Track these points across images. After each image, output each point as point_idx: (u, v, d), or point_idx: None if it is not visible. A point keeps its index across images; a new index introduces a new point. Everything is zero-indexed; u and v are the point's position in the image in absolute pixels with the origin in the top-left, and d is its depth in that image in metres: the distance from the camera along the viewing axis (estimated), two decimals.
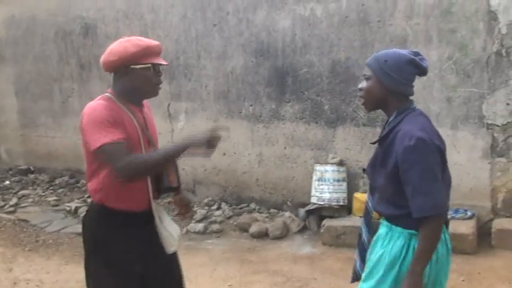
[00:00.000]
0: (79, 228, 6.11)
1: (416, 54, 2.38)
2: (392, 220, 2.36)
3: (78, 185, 8.11)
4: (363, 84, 2.42)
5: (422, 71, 2.37)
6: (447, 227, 2.42)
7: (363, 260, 2.55)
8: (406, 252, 2.29)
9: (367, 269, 2.44)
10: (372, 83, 2.38)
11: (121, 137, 2.48)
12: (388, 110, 2.41)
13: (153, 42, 2.67)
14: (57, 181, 8.27)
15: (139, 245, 2.65)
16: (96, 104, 2.61)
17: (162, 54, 2.76)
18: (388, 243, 2.35)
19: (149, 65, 2.61)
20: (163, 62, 2.67)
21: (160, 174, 2.65)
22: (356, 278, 2.64)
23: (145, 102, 2.82)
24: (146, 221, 2.66)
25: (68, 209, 6.96)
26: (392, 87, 2.34)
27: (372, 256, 2.43)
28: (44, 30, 8.31)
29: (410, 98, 2.43)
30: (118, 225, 2.63)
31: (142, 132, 2.65)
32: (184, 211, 3.07)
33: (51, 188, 8.07)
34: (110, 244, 2.66)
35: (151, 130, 2.76)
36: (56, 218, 6.74)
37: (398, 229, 2.33)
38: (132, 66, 2.60)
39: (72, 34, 8.00)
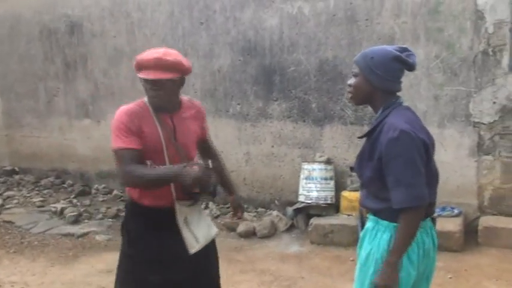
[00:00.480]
0: (65, 229, 6.21)
1: (404, 50, 2.39)
2: (379, 214, 2.38)
3: (64, 185, 8.04)
4: (352, 80, 2.45)
5: (410, 67, 2.38)
6: (434, 224, 2.43)
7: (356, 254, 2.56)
8: None
9: (358, 266, 2.45)
10: (359, 80, 2.41)
11: (134, 145, 2.65)
12: (375, 105, 2.44)
13: (146, 57, 2.71)
14: (42, 182, 8.19)
15: (163, 240, 2.79)
16: (124, 108, 2.77)
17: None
18: (375, 238, 2.36)
19: (141, 78, 2.71)
20: (148, 77, 2.66)
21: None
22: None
23: (195, 106, 2.96)
24: (171, 219, 2.79)
25: (53, 210, 6.88)
26: (378, 84, 2.36)
27: (362, 252, 2.43)
28: (29, 28, 8.22)
29: (398, 94, 2.44)
30: (144, 220, 2.83)
31: (168, 141, 2.75)
32: (234, 212, 3.30)
33: (36, 189, 7.99)
34: (134, 238, 2.87)
35: (182, 138, 2.82)
36: (42, 219, 6.67)
37: (385, 223, 2.34)
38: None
39: (58, 32, 7.92)
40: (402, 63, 2.36)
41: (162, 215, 2.79)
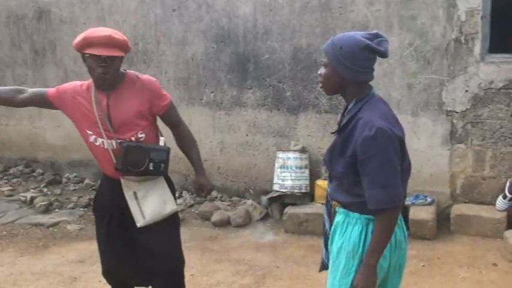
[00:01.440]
0: (34, 219, 6.09)
1: (375, 36, 2.27)
2: (349, 206, 2.33)
3: (34, 174, 7.87)
4: (321, 70, 2.36)
5: (381, 55, 2.27)
6: (407, 213, 2.41)
7: (327, 248, 2.52)
8: (365, 238, 2.27)
9: (331, 261, 2.42)
10: (329, 71, 2.31)
11: (52, 92, 3.11)
12: (347, 97, 2.35)
13: (95, 33, 2.84)
14: (11, 170, 8.00)
15: (113, 203, 3.10)
16: (79, 81, 3.14)
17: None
18: (346, 231, 2.32)
19: (87, 54, 2.85)
20: (99, 53, 2.81)
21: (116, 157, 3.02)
22: (323, 267, 2.61)
23: (140, 82, 3.05)
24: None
25: (23, 199, 6.73)
26: (348, 75, 2.26)
27: (333, 247, 2.40)
28: None
29: (371, 83, 2.37)
30: (103, 183, 3.29)
31: (102, 120, 2.96)
32: (197, 193, 3.46)
33: (5, 177, 7.80)
34: (95, 196, 3.38)
35: (117, 116, 2.98)
36: (11, 208, 6.52)
37: (356, 215, 2.30)
38: (82, 52, 2.89)
39: (25, 18, 7.71)
40: (373, 52, 2.24)
41: (117, 184, 3.04)
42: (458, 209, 5.32)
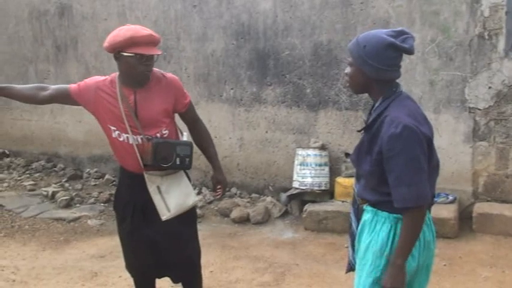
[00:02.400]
0: (56, 213, 6.15)
1: (400, 33, 2.25)
2: (378, 205, 2.31)
3: (55, 169, 7.95)
4: (347, 69, 2.36)
5: (407, 52, 2.25)
6: (430, 211, 2.38)
7: (354, 249, 2.50)
8: (394, 237, 2.25)
9: (358, 260, 2.40)
10: (354, 70, 2.31)
11: (74, 88, 3.10)
12: (373, 95, 2.34)
13: (140, 33, 2.90)
14: (33, 165, 8.10)
15: (136, 199, 3.13)
16: (101, 76, 3.14)
17: None
18: (374, 230, 2.31)
19: (132, 54, 2.87)
20: (148, 52, 2.89)
21: (142, 152, 3.02)
22: (350, 268, 2.59)
23: (166, 79, 3.10)
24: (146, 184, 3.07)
25: (44, 193, 6.81)
26: (373, 74, 2.25)
27: (361, 245, 2.38)
28: (18, 10, 8.06)
29: (396, 81, 2.34)
30: (124, 180, 3.25)
31: (128, 115, 2.99)
32: (213, 188, 3.44)
33: (27, 172, 7.90)
34: (116, 193, 3.36)
35: (144, 112, 3.02)
36: (33, 202, 6.60)
37: (384, 214, 2.28)
38: (121, 53, 2.91)
39: (47, 14, 7.78)
40: (398, 49, 2.22)
41: (138, 180, 3.07)
42: (480, 208, 5.25)
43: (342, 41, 5.75)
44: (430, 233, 2.33)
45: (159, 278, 3.43)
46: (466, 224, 5.25)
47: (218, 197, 3.55)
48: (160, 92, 3.06)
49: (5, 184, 7.33)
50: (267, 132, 6.39)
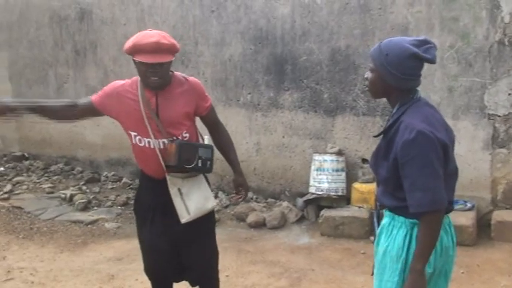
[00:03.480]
0: (74, 216, 6.20)
1: (423, 43, 2.24)
2: (395, 210, 2.32)
3: (73, 172, 8.03)
4: (368, 74, 2.37)
5: (429, 62, 2.25)
6: (449, 217, 2.37)
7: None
8: (410, 242, 2.25)
9: (376, 263, 2.40)
10: (375, 77, 2.32)
11: (96, 100, 3.08)
12: (392, 101, 2.35)
13: (144, 40, 2.88)
14: (52, 168, 8.19)
15: (157, 203, 3.14)
16: (120, 80, 3.14)
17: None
18: (391, 234, 2.31)
19: (137, 61, 2.91)
20: (149, 61, 2.86)
21: (164, 156, 3.02)
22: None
23: (188, 83, 3.11)
24: (167, 188, 3.06)
25: (62, 196, 6.88)
26: (394, 82, 2.26)
27: (379, 249, 2.39)
28: (39, 15, 8.18)
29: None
30: (145, 184, 3.26)
31: (150, 118, 2.99)
32: (236, 192, 3.45)
33: (45, 175, 7.99)
34: (137, 197, 3.37)
35: (166, 115, 3.02)
36: (51, 205, 6.66)
37: (401, 219, 2.28)
38: (132, 58, 2.95)
39: (68, 19, 7.88)
40: (420, 59, 2.22)
41: (160, 185, 3.06)
42: (499, 215, 5.20)
43: (360, 47, 5.74)
44: (449, 239, 2.31)
45: (177, 282, 3.43)
46: (484, 231, 5.19)
47: (240, 200, 3.54)
48: (182, 95, 3.07)
49: (24, 187, 7.41)
50: (283, 137, 6.39)
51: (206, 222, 3.24)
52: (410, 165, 2.15)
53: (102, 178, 7.69)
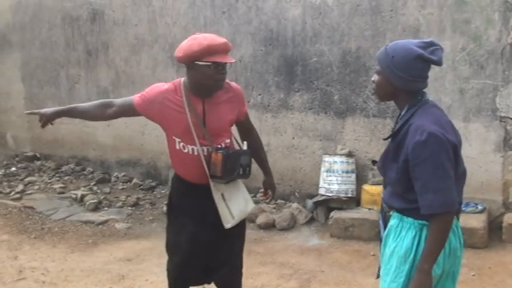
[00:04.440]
0: (85, 216, 6.24)
1: (429, 45, 2.26)
2: (403, 211, 2.32)
3: (84, 172, 8.08)
4: (374, 77, 2.38)
5: (435, 63, 2.27)
6: (458, 219, 2.36)
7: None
8: (418, 244, 2.26)
9: (383, 264, 2.41)
10: (381, 79, 2.33)
11: (139, 102, 3.05)
12: (399, 104, 2.36)
13: (217, 41, 2.88)
14: (63, 168, 8.25)
15: (195, 208, 3.10)
16: (163, 84, 3.10)
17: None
18: (399, 235, 2.31)
19: (210, 63, 2.85)
20: (225, 61, 2.89)
21: (209, 163, 2.98)
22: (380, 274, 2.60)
23: (232, 89, 3.09)
24: (208, 194, 3.02)
25: (73, 196, 6.92)
26: (400, 85, 2.27)
27: (386, 250, 2.39)
28: (51, 15, 8.24)
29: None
30: (183, 190, 3.17)
31: (196, 125, 2.95)
32: (264, 192, 3.50)
33: (57, 175, 8.05)
34: (174, 203, 3.25)
35: (212, 123, 3.00)
36: (62, 205, 6.71)
37: (409, 220, 2.29)
38: (196, 62, 2.87)
39: (80, 20, 7.93)
40: (426, 61, 2.24)
41: (200, 191, 3.04)
42: (510, 218, 5.16)
43: (371, 48, 5.73)
44: (456, 240, 2.32)
45: (199, 285, 3.42)
46: (495, 234, 5.16)
47: (267, 200, 3.62)
48: (227, 102, 3.05)
49: (36, 187, 7.48)
50: (293, 138, 6.39)
51: (241, 224, 3.24)
52: (422, 167, 2.15)
53: (113, 179, 7.73)
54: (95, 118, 3.35)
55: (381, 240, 2.51)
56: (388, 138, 2.40)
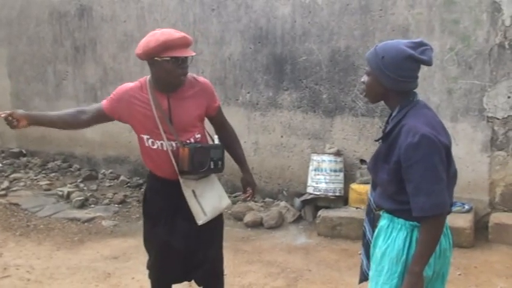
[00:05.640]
0: (71, 213, 6.19)
1: (419, 45, 2.24)
2: (394, 212, 2.31)
3: (71, 169, 8.01)
4: (364, 78, 2.35)
5: (425, 63, 2.25)
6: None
7: (369, 258, 2.48)
8: (410, 244, 2.25)
9: (373, 265, 2.39)
10: (371, 80, 2.31)
11: (106, 106, 3.07)
12: (390, 104, 2.34)
13: (174, 36, 2.87)
14: (49, 165, 8.17)
15: (168, 205, 3.09)
16: (129, 83, 3.11)
17: None
18: (390, 236, 2.30)
19: (168, 58, 2.85)
20: (184, 55, 2.88)
21: (177, 158, 2.98)
22: (364, 278, 2.58)
23: (199, 84, 3.07)
24: (181, 190, 3.01)
25: (60, 193, 6.86)
26: (391, 85, 2.25)
27: (376, 251, 2.37)
28: (39, 11, 8.16)
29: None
30: (156, 187, 3.18)
31: (163, 121, 2.96)
32: (244, 190, 3.43)
33: (43, 172, 7.97)
34: (148, 199, 3.26)
35: (178, 118, 2.99)
36: (48, 202, 6.64)
37: (401, 221, 2.27)
38: (155, 58, 2.88)
39: (67, 16, 7.86)
40: (416, 61, 2.22)
41: (172, 186, 3.01)
42: (497, 218, 5.20)
43: (360, 48, 5.74)
44: (446, 241, 2.31)
45: (180, 282, 3.39)
46: (482, 233, 5.19)
47: (248, 199, 3.52)
48: (194, 96, 3.04)
49: (21, 183, 7.40)
50: (282, 136, 6.39)
51: (217, 221, 3.20)
52: (415, 169, 2.14)
53: (100, 176, 7.67)
54: (68, 126, 3.29)
55: (365, 244, 2.50)
56: (379, 139, 2.38)
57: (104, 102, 3.11)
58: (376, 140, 2.45)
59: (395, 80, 2.23)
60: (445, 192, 2.17)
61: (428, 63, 2.25)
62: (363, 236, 2.53)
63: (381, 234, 2.35)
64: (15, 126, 3.15)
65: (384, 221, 2.36)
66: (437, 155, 2.14)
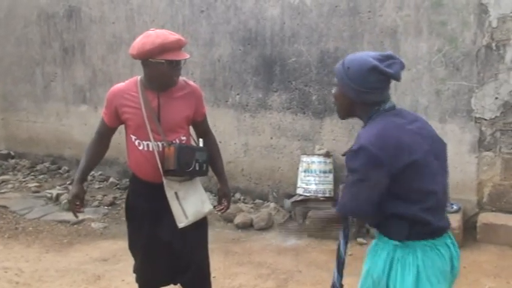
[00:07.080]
0: (60, 215, 6.16)
1: (387, 58, 2.17)
2: (379, 228, 2.26)
3: (60, 171, 7.98)
4: (334, 90, 2.32)
5: (391, 77, 2.17)
6: (449, 236, 2.34)
7: (340, 273, 2.41)
8: (390, 266, 2.18)
9: (361, 278, 2.33)
10: (337, 91, 2.28)
11: (107, 119, 3.11)
12: (360, 117, 2.28)
13: (170, 39, 2.89)
14: (38, 167, 8.14)
15: (151, 208, 3.09)
16: (120, 84, 3.13)
17: None
18: (375, 255, 2.25)
19: (163, 61, 2.88)
20: (179, 58, 2.93)
21: (162, 159, 2.99)
22: None
23: (189, 87, 3.12)
24: (164, 193, 3.02)
25: (48, 195, 6.83)
26: (354, 96, 2.20)
27: (364, 267, 2.32)
28: (26, 12, 8.12)
29: (391, 94, 2.28)
30: (139, 190, 3.18)
31: (151, 120, 2.97)
32: (218, 201, 3.43)
33: (32, 174, 7.94)
34: (131, 202, 3.28)
35: (166, 117, 3.01)
36: (37, 204, 6.62)
37: (384, 239, 2.22)
38: (149, 60, 2.90)
39: (56, 17, 7.83)
40: (381, 73, 2.13)
41: (155, 189, 3.02)
42: (485, 218, 5.23)
43: (349, 49, 5.75)
44: (442, 262, 2.25)
45: (166, 285, 3.39)
46: (470, 233, 5.22)
47: (222, 211, 3.51)
48: (183, 98, 3.07)
49: (10, 185, 7.36)
50: (272, 138, 6.40)
51: (200, 226, 3.20)
52: (349, 177, 2.16)
53: (89, 178, 7.62)
54: (102, 155, 3.35)
55: (338, 258, 2.40)
56: (345, 154, 2.24)
57: (104, 118, 3.14)
58: (342, 155, 2.32)
59: (358, 91, 2.17)
60: (365, 203, 2.13)
61: (394, 76, 2.16)
62: (337, 249, 2.42)
63: (371, 250, 2.30)
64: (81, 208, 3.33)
65: (375, 239, 2.32)
66: (371, 168, 2.08)
